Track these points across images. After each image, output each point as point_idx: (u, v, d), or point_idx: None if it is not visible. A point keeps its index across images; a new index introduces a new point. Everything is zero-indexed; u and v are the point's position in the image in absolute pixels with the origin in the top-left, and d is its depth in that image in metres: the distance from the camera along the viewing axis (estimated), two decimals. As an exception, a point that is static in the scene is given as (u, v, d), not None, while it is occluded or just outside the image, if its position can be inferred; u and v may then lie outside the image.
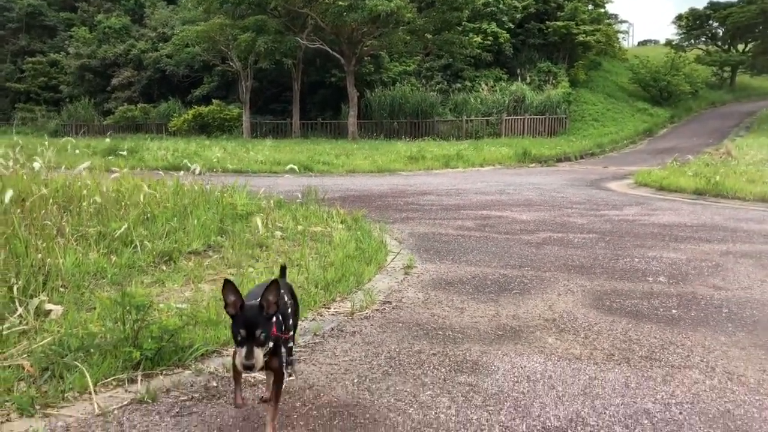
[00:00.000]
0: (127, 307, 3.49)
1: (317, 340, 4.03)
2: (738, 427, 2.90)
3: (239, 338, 2.43)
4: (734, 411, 3.07)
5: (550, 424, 2.93)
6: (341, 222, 7.96)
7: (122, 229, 5.76)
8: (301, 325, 4.27)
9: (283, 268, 3.50)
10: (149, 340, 3.41)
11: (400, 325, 4.39)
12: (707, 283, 5.51)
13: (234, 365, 2.65)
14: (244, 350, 2.41)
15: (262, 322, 2.47)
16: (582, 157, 24.19)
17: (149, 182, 7.90)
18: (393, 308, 4.78)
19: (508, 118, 29.98)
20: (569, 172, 18.62)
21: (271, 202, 8.43)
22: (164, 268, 5.40)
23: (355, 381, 3.42)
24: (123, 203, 6.77)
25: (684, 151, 19.95)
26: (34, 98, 43.79)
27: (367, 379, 3.44)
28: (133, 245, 5.61)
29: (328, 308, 4.72)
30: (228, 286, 2.48)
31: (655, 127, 31.32)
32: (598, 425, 2.92)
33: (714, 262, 6.31)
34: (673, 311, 4.71)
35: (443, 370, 3.59)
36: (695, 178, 13.26)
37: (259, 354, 2.42)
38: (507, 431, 2.86)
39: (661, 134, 30.55)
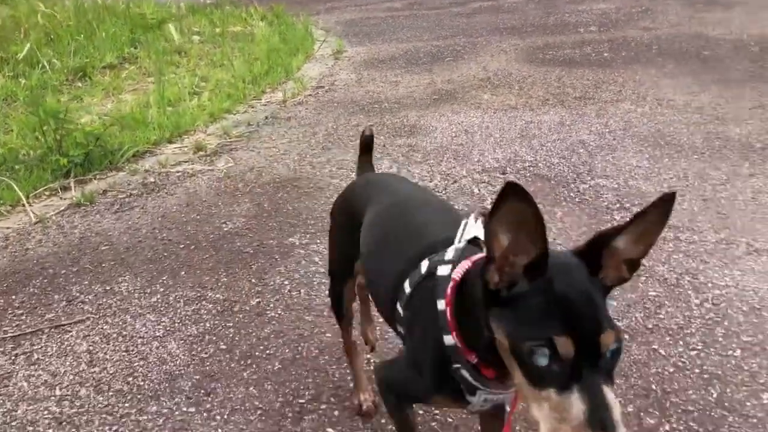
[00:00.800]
0: (44, 118, 3.29)
1: (252, 129, 3.92)
2: (668, 142, 3.02)
3: (556, 367, 0.82)
4: (664, 129, 3.18)
5: (489, 166, 2.99)
6: (261, 19, 7.48)
7: (25, 51, 5.32)
8: (233, 117, 4.15)
9: None
10: (75, 148, 3.26)
11: (335, 105, 4.29)
12: (637, 26, 5.48)
13: None
14: (578, 399, 0.81)
15: (603, 310, 0.87)
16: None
17: (44, 4, 7.19)
18: (326, 92, 4.65)
19: None
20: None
21: (182, 6, 7.82)
22: (79, 84, 5.07)
23: (296, 159, 3.39)
24: (21, 27, 6.19)
25: None
26: None
27: (308, 155, 3.41)
28: (40, 66, 5.22)
29: (259, 100, 4.55)
30: (516, 201, 0.81)
31: None
32: (536, 159, 2.99)
33: (644, 7, 6.24)
34: (605, 55, 4.71)
35: (382, 137, 3.56)
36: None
37: (615, 400, 0.82)
38: (448, 177, 2.91)
39: None
